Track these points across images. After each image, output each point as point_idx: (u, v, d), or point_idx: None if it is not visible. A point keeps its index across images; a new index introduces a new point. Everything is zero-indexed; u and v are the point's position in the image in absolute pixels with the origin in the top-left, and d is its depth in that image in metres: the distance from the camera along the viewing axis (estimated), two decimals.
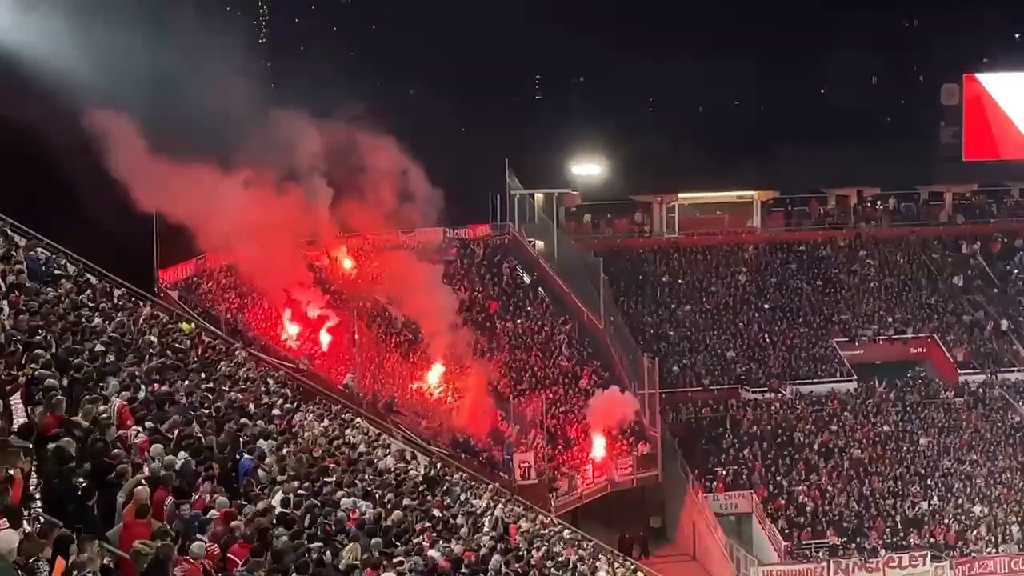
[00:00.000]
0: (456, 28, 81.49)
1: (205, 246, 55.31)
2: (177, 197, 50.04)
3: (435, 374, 58.23)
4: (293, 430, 28.13)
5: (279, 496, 19.69)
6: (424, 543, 22.61)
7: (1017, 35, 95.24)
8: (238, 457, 20.97)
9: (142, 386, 21.71)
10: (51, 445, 14.76)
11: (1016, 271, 75.18)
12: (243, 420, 24.32)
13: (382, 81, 66.84)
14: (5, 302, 22.16)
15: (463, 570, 22.39)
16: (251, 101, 53.45)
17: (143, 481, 15.20)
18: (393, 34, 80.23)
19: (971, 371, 66.99)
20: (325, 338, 57.00)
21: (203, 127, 49.50)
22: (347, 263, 64.14)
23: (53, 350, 20.17)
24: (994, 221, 79.25)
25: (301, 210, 57.48)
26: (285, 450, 23.98)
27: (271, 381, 36.62)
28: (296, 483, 21.21)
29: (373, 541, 19.68)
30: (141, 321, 31.03)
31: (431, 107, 72.02)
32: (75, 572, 11.62)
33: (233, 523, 16.10)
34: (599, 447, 56.89)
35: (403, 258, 62.57)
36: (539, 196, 74.50)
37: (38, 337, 20.43)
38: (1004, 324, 69.96)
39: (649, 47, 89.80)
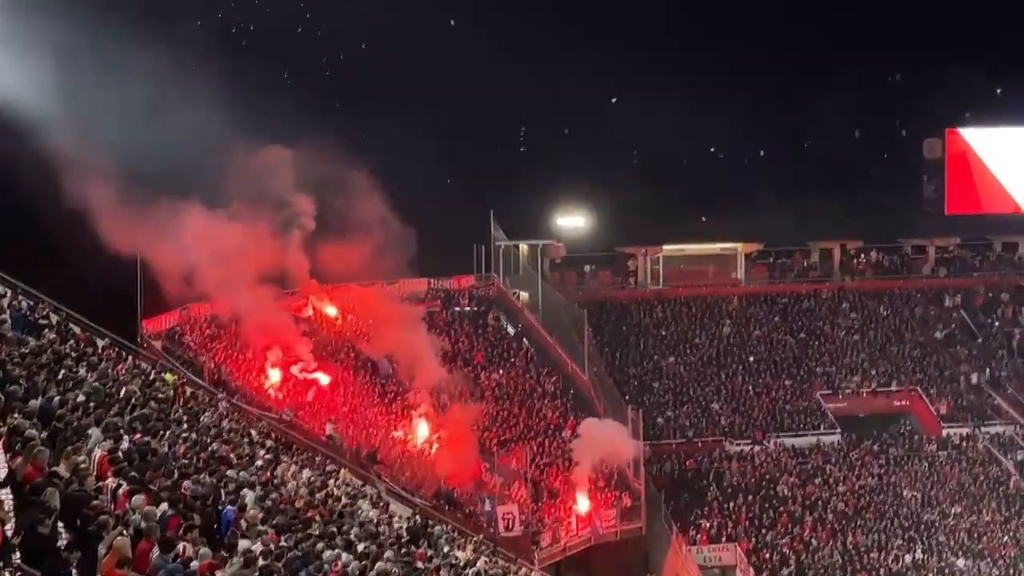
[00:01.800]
0: (441, 79, 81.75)
1: (186, 291, 55.02)
2: (156, 238, 49.94)
3: (418, 424, 58.06)
4: (275, 481, 28.02)
5: (261, 547, 19.58)
6: None
7: (999, 90, 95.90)
8: (220, 508, 20.89)
9: (124, 437, 21.64)
10: (32, 496, 14.70)
11: (998, 324, 75.45)
12: (226, 471, 24.24)
13: (366, 131, 66.93)
14: None
15: None
16: (229, 144, 53.55)
17: (124, 532, 15.14)
18: (378, 85, 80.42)
19: (954, 424, 67.07)
20: (308, 389, 56.83)
21: (180, 168, 49.58)
22: (331, 311, 63.98)
23: (35, 400, 20.11)
24: (977, 275, 79.57)
25: (281, 255, 57.49)
26: (268, 501, 23.88)
27: (254, 432, 36.50)
28: (278, 534, 21.12)
29: None
30: (124, 371, 30.95)
31: (416, 158, 72.14)
32: None
33: (216, 574, 16.04)
34: (583, 500, 56.67)
35: (387, 304, 62.50)
36: (524, 247, 74.63)
37: (20, 387, 20.37)
38: (974, 378, 70.15)
39: (634, 98, 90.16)
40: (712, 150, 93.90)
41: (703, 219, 76.62)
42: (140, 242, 49.07)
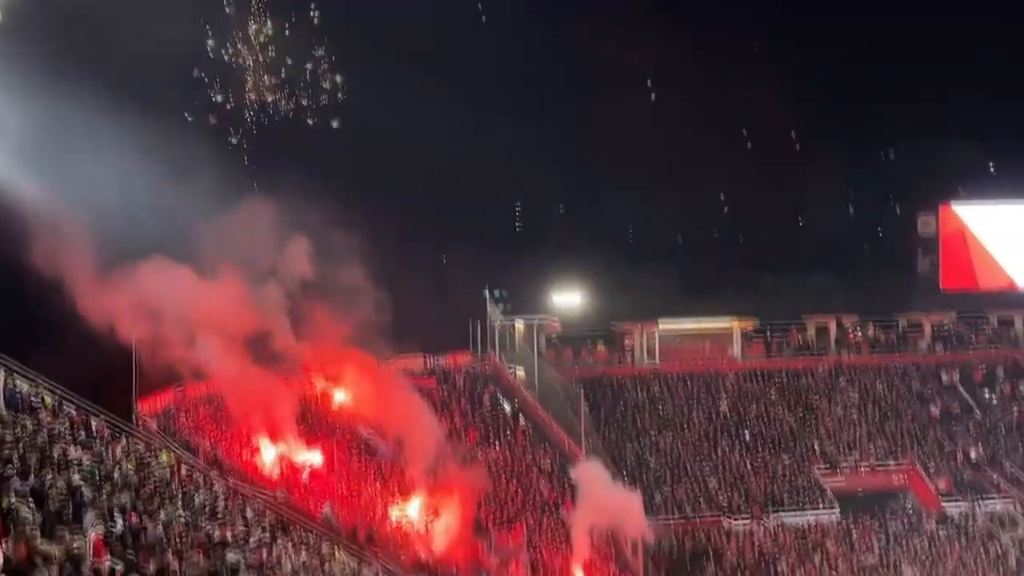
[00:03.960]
0: (436, 156, 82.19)
1: (172, 359, 54.50)
2: (138, 306, 49.71)
3: (415, 504, 57.71)
4: (271, 562, 27.78)
5: None
6: None
7: (992, 166, 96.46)
8: None
9: (118, 518, 21.47)
10: None
11: (996, 400, 75.34)
12: (221, 551, 24.02)
13: (360, 208, 67.15)
14: None
15: None
16: (221, 216, 53.54)
17: None
18: (374, 164, 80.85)
19: (953, 500, 66.77)
20: (304, 469, 56.52)
21: (157, 231, 49.52)
22: (327, 392, 63.75)
23: (29, 481, 19.96)
24: (973, 350, 79.56)
25: (267, 321, 57.25)
26: None
27: (249, 512, 36.23)
28: None
29: None
30: (119, 452, 30.77)
31: (411, 236, 72.41)
32: None
33: None
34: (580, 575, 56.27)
35: (385, 381, 62.23)
36: (520, 324, 74.68)
37: (14, 469, 20.23)
38: (973, 454, 69.95)
39: (628, 178, 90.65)
40: (706, 227, 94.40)
41: (698, 297, 76.80)
42: (121, 311, 48.80)
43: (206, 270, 53.61)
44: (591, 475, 58.88)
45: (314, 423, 60.12)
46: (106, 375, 47.22)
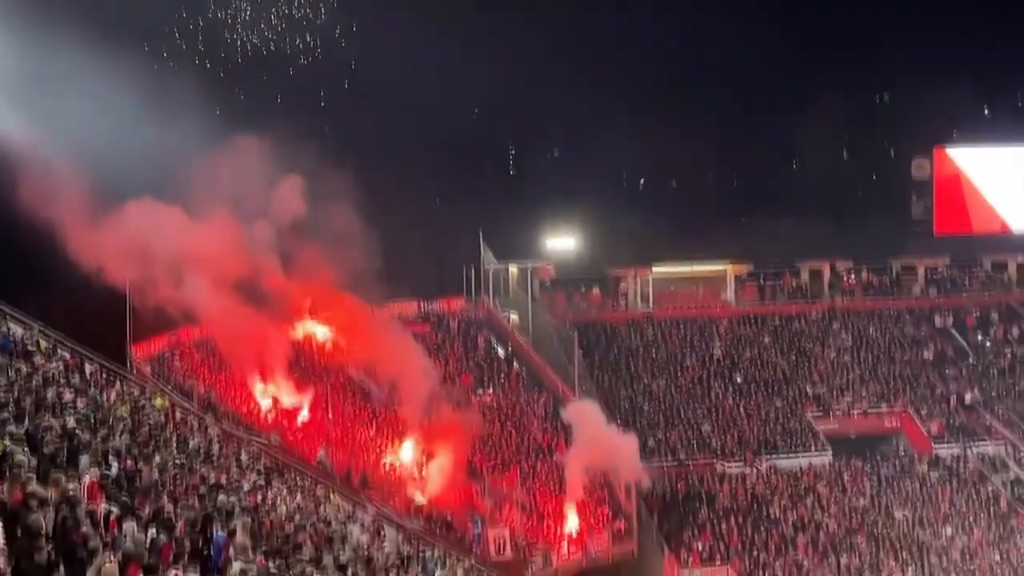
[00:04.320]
0: (431, 102, 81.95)
1: (162, 299, 54.25)
2: (129, 247, 49.50)
3: (409, 448, 57.90)
4: (266, 506, 27.90)
5: (252, 572, 19.46)
6: None
7: (987, 109, 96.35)
8: (210, 535, 20.76)
9: (113, 462, 21.53)
10: (17, 521, 14.58)
11: (989, 344, 75.55)
12: (216, 495, 24.11)
13: (355, 152, 66.96)
14: None
15: None
16: (211, 156, 53.24)
17: (111, 558, 15.04)
18: (369, 108, 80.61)
19: (945, 444, 67.09)
20: (299, 413, 56.69)
21: (148, 169, 49.26)
22: (321, 335, 63.80)
23: (24, 425, 20.00)
24: (966, 294, 79.70)
25: (257, 261, 57.07)
26: (258, 526, 23.76)
27: (244, 456, 36.36)
28: (269, 559, 20.99)
29: None
30: (113, 396, 30.82)
31: (406, 180, 72.26)
32: None
33: None
34: (573, 518, 56.53)
35: (380, 325, 62.25)
36: (514, 269, 74.68)
37: (9, 413, 20.26)
38: (965, 397, 70.20)
39: (623, 122, 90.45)
40: (701, 172, 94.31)
41: (692, 241, 76.76)
42: (112, 253, 48.64)
43: (197, 211, 53.40)
44: (585, 415, 59.08)
45: (307, 367, 60.23)
46: (100, 320, 47.26)
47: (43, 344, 31.22)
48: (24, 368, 25.85)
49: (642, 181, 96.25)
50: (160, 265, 51.36)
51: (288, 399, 56.92)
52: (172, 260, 52.15)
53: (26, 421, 20.65)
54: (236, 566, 18.84)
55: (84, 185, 48.13)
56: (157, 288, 51.52)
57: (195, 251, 52.86)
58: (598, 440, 57.27)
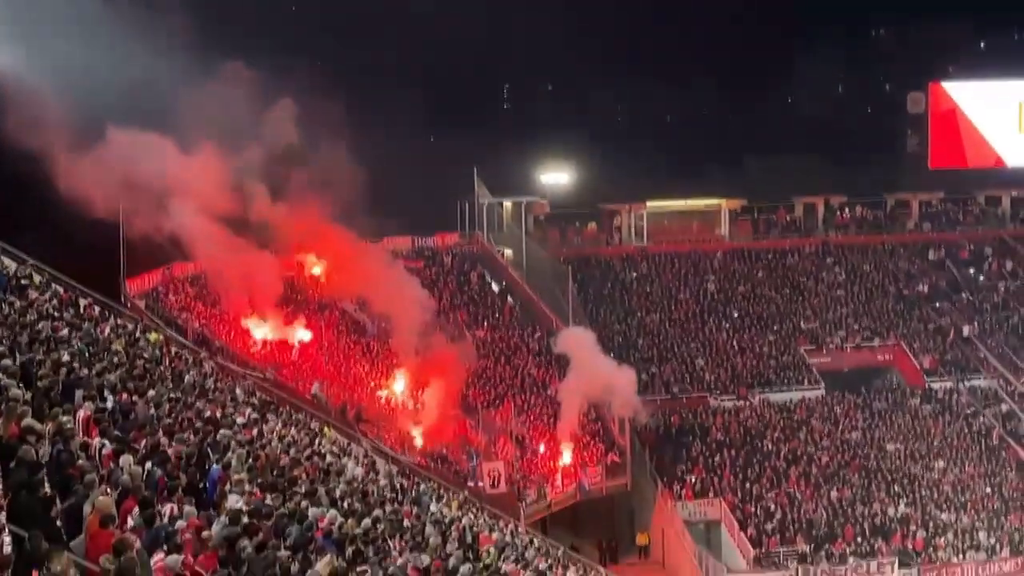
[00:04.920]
0: (424, 36, 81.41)
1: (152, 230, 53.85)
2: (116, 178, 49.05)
3: (403, 381, 58.03)
4: (261, 440, 27.97)
5: (247, 506, 19.54)
6: (393, 553, 22.53)
7: (982, 44, 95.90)
8: (206, 467, 20.83)
9: (108, 396, 21.55)
10: (12, 455, 14.61)
11: (983, 278, 75.69)
12: (211, 430, 24.16)
13: (348, 87, 66.52)
14: None
15: None
16: (201, 85, 52.71)
17: (107, 491, 15.09)
18: (362, 43, 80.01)
19: (938, 378, 67.34)
20: (294, 347, 56.71)
21: (133, 97, 48.72)
22: (316, 270, 63.70)
23: (18, 360, 20.00)
24: (960, 229, 79.74)
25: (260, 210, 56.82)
26: (253, 460, 23.82)
27: (239, 390, 36.43)
28: (264, 493, 21.08)
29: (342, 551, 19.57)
30: (108, 331, 30.81)
31: (399, 115, 71.86)
32: None
33: (204, 534, 16.01)
34: (567, 451, 56.80)
35: (373, 258, 62.02)
36: (508, 204, 74.56)
37: (3, 347, 20.25)
38: (966, 330, 70.40)
39: (617, 57, 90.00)
40: (696, 107, 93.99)
41: (687, 176, 76.60)
42: (101, 184, 48.21)
43: (185, 140, 52.90)
44: (580, 342, 59.16)
45: (301, 301, 60.19)
46: (93, 255, 47.11)
47: (37, 278, 31.16)
48: (18, 302, 25.80)
49: (636, 117, 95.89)
50: (149, 196, 50.93)
51: (281, 333, 56.91)
52: (161, 191, 51.70)
53: (20, 355, 20.66)
54: (231, 500, 18.91)
55: (70, 115, 47.66)
56: (146, 219, 51.20)
57: (184, 182, 52.43)
58: (594, 368, 57.40)
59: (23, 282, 29.27)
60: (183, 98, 53.02)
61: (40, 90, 46.76)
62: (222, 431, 24.90)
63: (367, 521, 23.04)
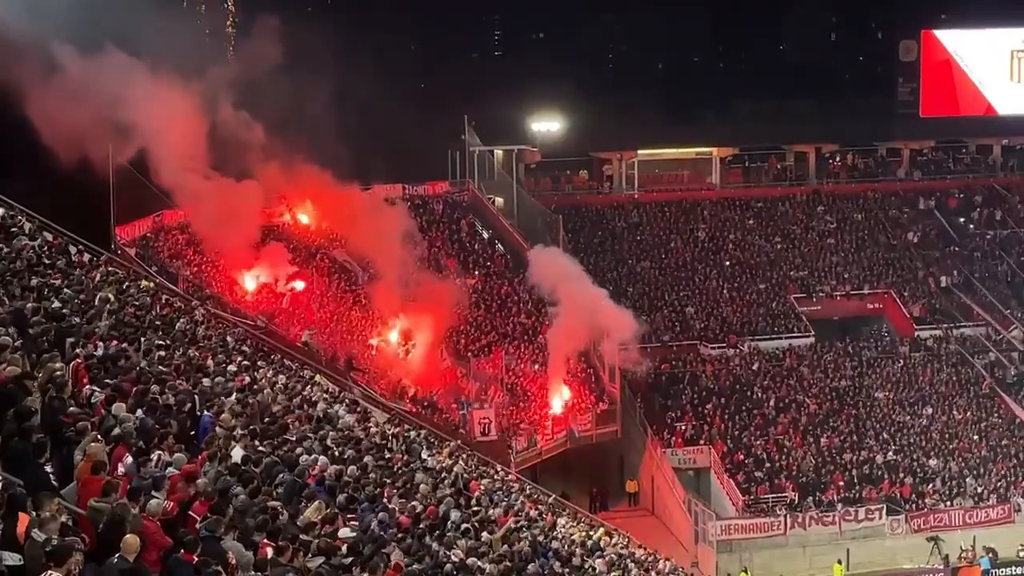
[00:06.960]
0: None
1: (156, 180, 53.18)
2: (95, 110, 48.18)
3: (394, 329, 57.98)
4: (252, 387, 28.01)
5: (238, 453, 19.60)
6: (384, 499, 22.64)
7: None
8: (197, 414, 20.88)
9: (99, 344, 21.55)
10: (5, 402, 14.63)
11: (973, 226, 75.77)
12: (202, 377, 24.20)
13: (339, 33, 66.10)
14: None
15: (422, 526, 22.43)
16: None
17: (99, 437, 15.13)
18: None
19: (927, 326, 67.52)
20: (284, 295, 56.51)
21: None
22: (304, 218, 63.38)
23: (8, 307, 19.97)
24: (951, 177, 79.74)
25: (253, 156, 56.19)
26: (244, 407, 23.86)
27: (230, 339, 36.43)
28: (255, 440, 21.14)
29: (333, 498, 19.68)
30: (98, 278, 30.74)
31: (389, 62, 71.52)
32: (36, 530, 11.54)
33: (198, 480, 16.06)
34: (557, 400, 56.88)
35: (361, 204, 61.55)
36: (499, 152, 74.32)
37: None
38: (949, 280, 70.54)
39: (608, 4, 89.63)
40: (687, 54, 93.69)
41: (678, 124, 76.46)
42: (79, 113, 47.37)
43: (162, 67, 51.97)
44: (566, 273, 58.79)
45: (292, 249, 59.88)
46: (83, 202, 46.77)
47: (27, 226, 31.07)
48: (7, 249, 25.73)
49: (628, 62, 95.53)
50: (127, 130, 49.98)
51: (271, 280, 56.63)
52: (138, 127, 50.75)
53: (11, 303, 20.62)
54: (235, 453, 18.98)
55: (45, 49, 46.79)
56: (127, 154, 50.36)
57: (162, 119, 51.45)
58: (585, 299, 57.09)
59: (12, 230, 29.17)
60: (160, 21, 51.82)
61: (8, 24, 45.84)
62: (213, 379, 24.96)
63: (356, 468, 23.15)
